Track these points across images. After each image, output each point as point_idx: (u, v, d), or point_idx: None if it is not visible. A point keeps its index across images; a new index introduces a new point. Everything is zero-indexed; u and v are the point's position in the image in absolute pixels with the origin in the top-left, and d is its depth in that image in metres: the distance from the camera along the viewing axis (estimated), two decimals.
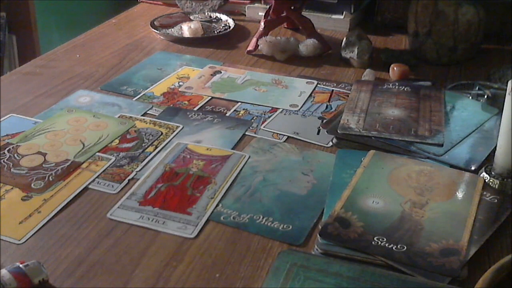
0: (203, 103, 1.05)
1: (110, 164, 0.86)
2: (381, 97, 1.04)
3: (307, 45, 1.24)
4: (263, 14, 1.34)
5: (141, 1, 1.60)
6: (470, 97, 1.06)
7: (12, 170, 0.83)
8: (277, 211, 0.77)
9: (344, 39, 1.23)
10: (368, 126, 0.94)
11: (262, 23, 1.29)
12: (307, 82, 1.13)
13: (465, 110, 1.01)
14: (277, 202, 0.78)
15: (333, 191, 0.79)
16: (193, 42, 1.32)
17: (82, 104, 1.03)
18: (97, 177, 0.83)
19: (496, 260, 0.63)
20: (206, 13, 1.47)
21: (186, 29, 1.35)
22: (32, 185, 0.80)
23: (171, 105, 1.04)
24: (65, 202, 0.78)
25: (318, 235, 0.71)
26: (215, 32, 1.38)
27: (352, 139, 0.92)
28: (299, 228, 0.74)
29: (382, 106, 1.01)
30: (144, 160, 0.87)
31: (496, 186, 0.81)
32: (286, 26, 1.42)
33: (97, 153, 0.88)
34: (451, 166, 0.86)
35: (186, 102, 1.05)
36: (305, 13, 1.36)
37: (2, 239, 0.71)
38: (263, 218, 0.75)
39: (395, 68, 1.14)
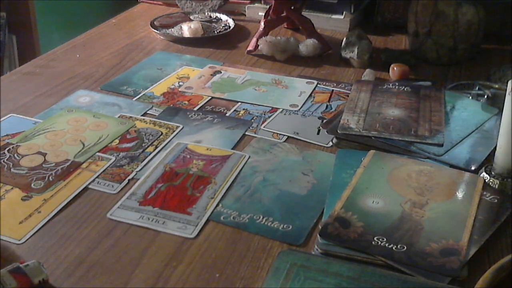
0: (203, 103, 1.05)
1: (110, 164, 0.86)
2: (381, 97, 1.04)
3: (307, 45, 1.24)
4: (263, 14, 1.34)
5: (141, 1, 1.60)
6: (470, 97, 1.06)
7: (12, 170, 0.83)
8: (277, 211, 0.77)
9: (344, 39, 1.23)
10: (368, 126, 0.94)
11: (262, 23, 1.29)
12: (307, 82, 1.13)
13: (465, 110, 1.01)
14: (277, 202, 0.78)
15: (333, 191, 0.79)
16: (193, 42, 1.32)
17: (82, 104, 1.03)
18: (97, 177, 0.83)
19: (496, 260, 0.63)
20: (206, 13, 1.47)
21: (186, 29, 1.35)
22: (32, 185, 0.80)
23: (171, 105, 1.04)
24: (65, 202, 0.78)
25: (318, 235, 0.71)
26: (215, 32, 1.38)
27: (352, 139, 0.92)
28: (299, 228, 0.74)
29: (382, 106, 1.01)
30: (144, 160, 0.87)
31: (496, 186, 0.81)
32: (286, 26, 1.42)
33: (97, 153, 0.88)
34: (451, 166, 0.86)
35: (186, 102, 1.05)
36: (305, 13, 1.36)
37: (2, 239, 0.71)
38: (263, 218, 0.75)
39: (395, 68, 1.14)
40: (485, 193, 0.79)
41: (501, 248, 0.71)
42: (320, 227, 0.72)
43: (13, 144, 0.90)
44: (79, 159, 0.87)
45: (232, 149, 0.91)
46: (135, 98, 1.06)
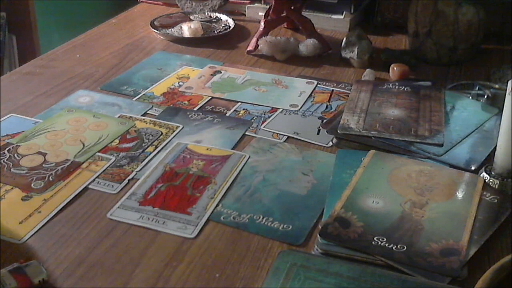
0: (203, 103, 1.05)
1: (110, 164, 0.86)
2: (381, 97, 1.04)
3: (307, 45, 1.24)
4: (263, 14, 1.34)
5: (141, 1, 1.60)
6: (470, 97, 1.06)
7: (12, 170, 0.83)
8: (277, 211, 0.77)
9: (344, 39, 1.23)
10: (368, 126, 0.94)
11: (262, 23, 1.29)
12: (307, 82, 1.13)
13: (465, 110, 1.01)
14: (277, 202, 0.78)
15: (333, 191, 0.79)
16: (193, 42, 1.32)
17: (82, 104, 1.03)
18: (97, 177, 0.83)
19: (496, 260, 0.63)
20: (206, 13, 1.47)
21: (186, 29, 1.35)
22: (32, 185, 0.80)
23: (171, 105, 1.04)
24: (65, 202, 0.78)
25: (318, 235, 0.71)
26: (215, 32, 1.38)
27: (352, 139, 0.92)
28: (299, 228, 0.74)
29: (382, 106, 1.01)
30: (144, 160, 0.87)
31: (496, 186, 0.81)
32: (286, 26, 1.42)
33: (97, 153, 0.88)
34: (451, 166, 0.86)
35: (186, 102, 1.05)
36: (305, 13, 1.36)
37: (2, 239, 0.71)
38: (263, 218, 0.75)
39: (395, 68, 1.14)
40: (485, 193, 0.79)
41: (501, 248, 0.72)
42: (320, 227, 0.72)
43: (13, 144, 0.90)
44: (79, 159, 0.87)
45: (232, 149, 0.91)
46: (135, 98, 1.06)
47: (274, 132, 0.96)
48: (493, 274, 0.58)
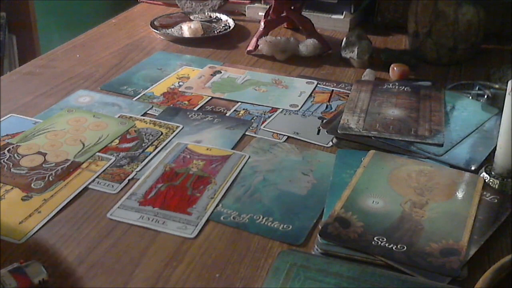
0: (203, 103, 1.05)
1: (110, 164, 0.86)
2: (381, 97, 1.04)
3: (307, 45, 1.24)
4: (263, 14, 1.34)
5: (141, 1, 1.60)
6: (470, 97, 1.06)
7: (12, 170, 0.83)
8: (277, 211, 0.77)
9: (344, 39, 1.23)
10: (368, 126, 0.94)
11: (262, 23, 1.29)
12: (307, 82, 1.13)
13: (465, 110, 1.01)
14: (277, 202, 0.78)
15: (333, 191, 0.79)
16: (193, 42, 1.32)
17: (82, 104, 1.03)
18: (97, 177, 0.83)
19: (496, 260, 0.63)
20: (206, 13, 1.47)
21: (186, 29, 1.35)
22: (32, 185, 0.80)
23: (171, 105, 1.04)
24: (65, 202, 0.78)
25: (318, 235, 0.71)
26: (215, 32, 1.38)
27: (352, 139, 0.92)
28: (299, 228, 0.74)
29: (382, 106, 1.01)
30: (144, 160, 0.87)
31: (496, 186, 0.81)
32: (286, 26, 1.42)
33: (97, 153, 0.88)
34: (451, 166, 0.86)
35: (186, 102, 1.05)
36: (305, 13, 1.36)
37: (2, 239, 0.71)
38: (263, 218, 0.75)
39: (395, 68, 1.14)
40: (485, 193, 0.79)
41: (501, 248, 0.72)
42: (320, 227, 0.72)
43: (13, 144, 0.90)
44: (79, 159, 0.87)
45: (232, 149, 0.91)
46: (135, 98, 1.06)
47: (274, 132, 0.96)
48: (493, 274, 0.58)
